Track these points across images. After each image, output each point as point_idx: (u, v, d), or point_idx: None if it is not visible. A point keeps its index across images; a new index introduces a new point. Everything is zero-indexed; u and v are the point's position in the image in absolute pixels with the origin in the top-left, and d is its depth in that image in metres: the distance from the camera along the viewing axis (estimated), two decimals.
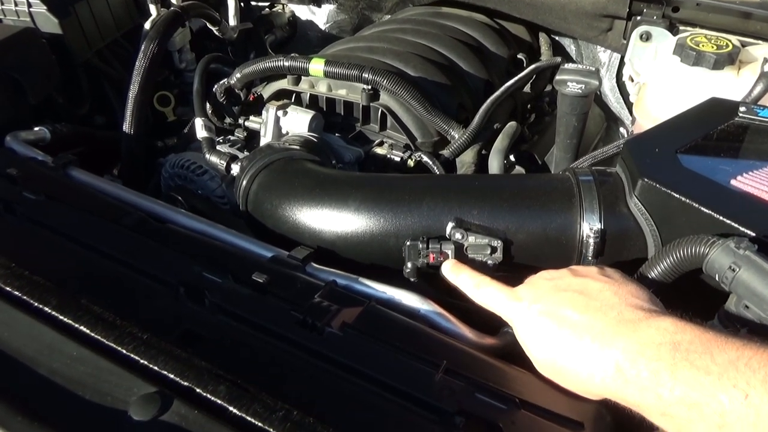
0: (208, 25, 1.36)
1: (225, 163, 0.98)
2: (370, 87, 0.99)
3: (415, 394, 0.50)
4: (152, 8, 1.29)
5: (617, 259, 0.68)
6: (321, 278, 0.66)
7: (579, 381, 0.51)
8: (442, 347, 0.59)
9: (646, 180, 0.64)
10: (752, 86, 0.87)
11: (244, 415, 0.41)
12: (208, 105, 1.13)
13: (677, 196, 0.61)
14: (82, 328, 0.47)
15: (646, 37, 1.05)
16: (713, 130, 0.74)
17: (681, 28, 1.09)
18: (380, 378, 0.51)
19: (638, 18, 1.11)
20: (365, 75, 0.97)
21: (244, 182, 0.83)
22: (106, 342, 0.46)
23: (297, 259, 0.69)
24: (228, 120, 1.16)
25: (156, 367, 0.44)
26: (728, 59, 0.90)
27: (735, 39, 0.95)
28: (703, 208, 0.60)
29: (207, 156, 1.01)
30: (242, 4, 1.57)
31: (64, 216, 0.69)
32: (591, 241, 0.67)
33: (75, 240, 0.64)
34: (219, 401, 0.42)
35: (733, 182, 0.65)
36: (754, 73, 0.89)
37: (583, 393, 0.52)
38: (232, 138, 1.10)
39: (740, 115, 0.76)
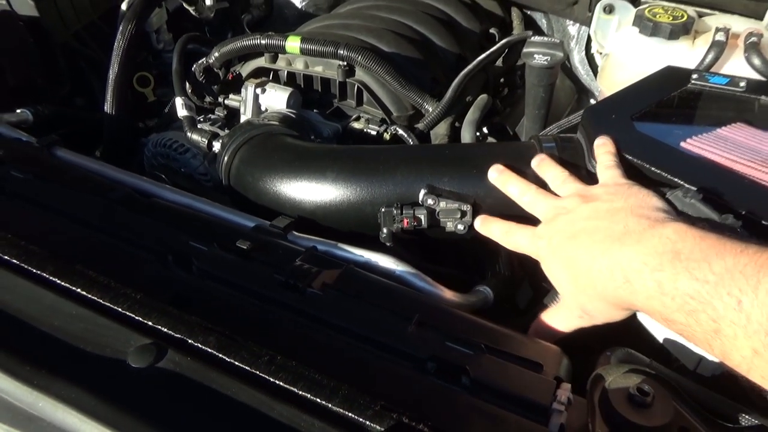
0: (184, 4, 1.37)
1: (206, 141, 1.01)
2: (345, 63, 1.01)
3: (390, 343, 0.54)
4: None
5: None
6: (302, 245, 0.70)
7: (599, 295, 0.56)
8: (415, 303, 0.62)
9: None
10: (704, 54, 0.91)
11: (232, 361, 0.46)
12: (187, 84, 1.15)
13: (629, 157, 0.66)
14: (78, 290, 0.51)
15: (609, 9, 1.09)
16: (667, 96, 0.79)
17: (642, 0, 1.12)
18: (358, 331, 0.55)
19: None
20: (340, 51, 0.99)
21: (226, 158, 0.87)
22: (102, 302, 0.50)
23: (278, 227, 0.72)
24: (208, 99, 1.18)
25: (150, 323, 0.48)
26: (683, 29, 0.94)
27: (691, 10, 0.99)
28: (653, 168, 0.65)
29: (188, 134, 1.03)
30: None
31: (53, 192, 0.71)
32: None
33: (65, 215, 0.66)
34: (209, 350, 0.46)
35: (682, 144, 0.70)
36: (707, 42, 0.93)
37: (608, 303, 0.56)
38: (212, 116, 1.13)
39: (693, 82, 0.80)
